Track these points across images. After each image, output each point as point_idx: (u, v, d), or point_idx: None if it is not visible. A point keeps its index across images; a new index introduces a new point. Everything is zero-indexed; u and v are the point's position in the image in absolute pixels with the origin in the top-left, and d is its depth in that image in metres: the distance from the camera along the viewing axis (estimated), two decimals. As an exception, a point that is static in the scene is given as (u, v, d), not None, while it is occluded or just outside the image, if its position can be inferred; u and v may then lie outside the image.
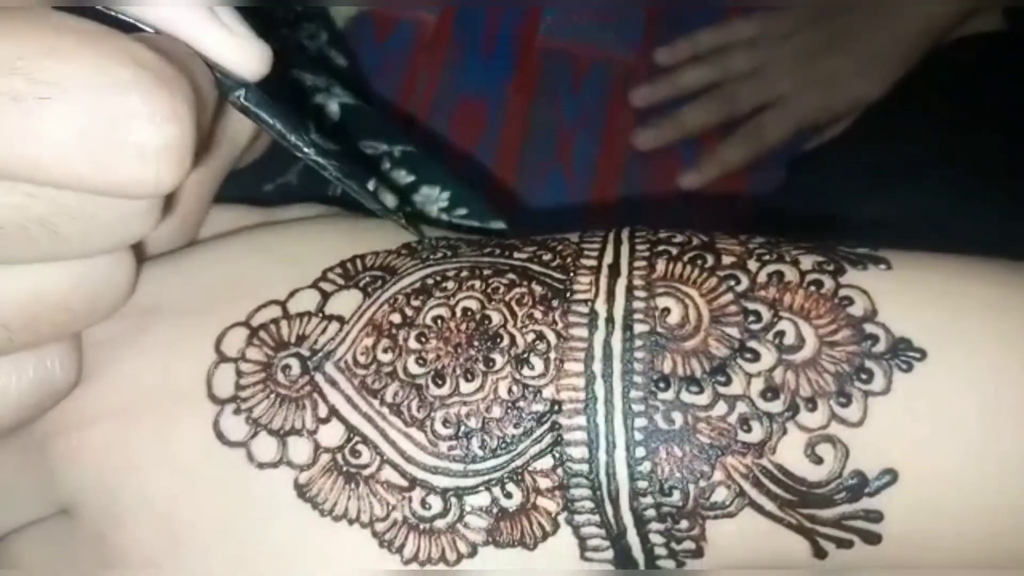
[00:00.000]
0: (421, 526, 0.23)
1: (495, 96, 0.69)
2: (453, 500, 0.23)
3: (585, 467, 0.23)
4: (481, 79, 0.69)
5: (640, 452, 0.22)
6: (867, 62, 0.64)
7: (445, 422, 0.23)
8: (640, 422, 0.22)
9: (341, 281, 0.26)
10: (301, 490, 0.23)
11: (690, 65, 0.70)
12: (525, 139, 0.68)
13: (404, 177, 0.37)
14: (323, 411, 0.24)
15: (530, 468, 0.23)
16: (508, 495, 0.23)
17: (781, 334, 0.23)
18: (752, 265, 0.24)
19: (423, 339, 0.24)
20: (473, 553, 0.23)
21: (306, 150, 0.24)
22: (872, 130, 0.61)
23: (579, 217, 0.65)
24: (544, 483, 0.23)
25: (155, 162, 0.19)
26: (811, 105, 0.67)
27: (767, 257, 0.24)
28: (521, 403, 0.23)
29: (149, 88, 0.18)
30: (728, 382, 0.22)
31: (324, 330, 0.25)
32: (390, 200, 0.37)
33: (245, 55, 0.23)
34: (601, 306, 0.24)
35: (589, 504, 0.23)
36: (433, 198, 0.36)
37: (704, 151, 0.68)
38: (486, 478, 0.23)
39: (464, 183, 0.37)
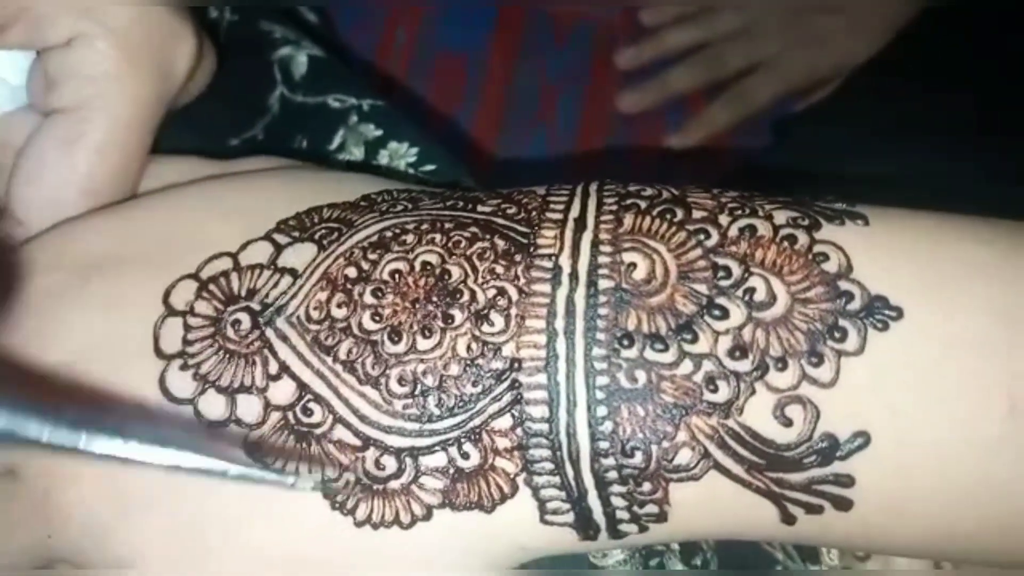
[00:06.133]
0: (375, 487, 0.22)
1: (475, 52, 0.67)
2: (408, 461, 0.22)
3: (545, 427, 0.22)
4: (461, 35, 0.68)
5: (602, 411, 0.21)
6: (856, 22, 0.63)
7: (400, 380, 0.22)
8: (602, 380, 0.21)
9: (296, 233, 0.25)
10: (251, 449, 0.23)
11: (676, 25, 0.69)
12: (507, 97, 0.67)
13: (372, 131, 0.36)
14: (274, 368, 0.23)
15: (488, 428, 0.22)
16: (465, 455, 0.22)
17: (751, 291, 0.22)
18: (723, 219, 0.23)
19: (379, 294, 0.23)
20: (428, 516, 0.22)
21: None
22: (860, 93, 0.60)
23: (556, 176, 0.64)
24: (503, 443, 0.22)
25: None
26: (799, 66, 0.66)
27: (739, 211, 0.23)
28: (480, 360, 0.22)
29: None
30: (695, 340, 0.21)
31: (276, 283, 0.24)
32: (357, 153, 0.36)
33: None
34: (565, 261, 0.23)
35: (549, 465, 0.22)
36: (401, 153, 0.35)
37: (689, 113, 0.67)
38: (442, 438, 0.22)
39: (433, 139, 0.35)
